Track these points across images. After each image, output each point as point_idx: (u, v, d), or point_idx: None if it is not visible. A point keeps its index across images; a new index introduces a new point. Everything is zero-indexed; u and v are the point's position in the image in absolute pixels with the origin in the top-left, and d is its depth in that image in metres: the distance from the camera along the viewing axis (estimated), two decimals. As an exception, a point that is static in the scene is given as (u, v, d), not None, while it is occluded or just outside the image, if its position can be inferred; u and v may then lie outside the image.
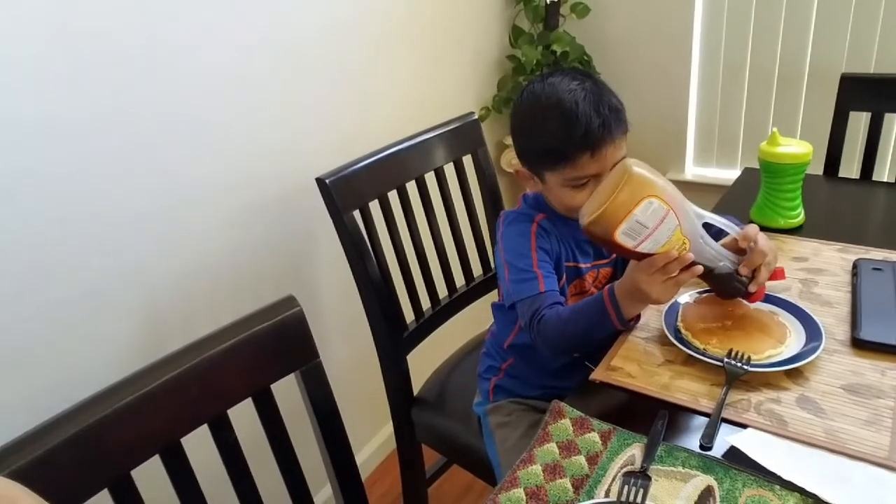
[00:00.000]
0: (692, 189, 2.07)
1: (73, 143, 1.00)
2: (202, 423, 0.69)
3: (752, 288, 0.86)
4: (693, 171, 2.12)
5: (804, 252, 1.10)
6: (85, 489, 0.60)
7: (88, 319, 1.06)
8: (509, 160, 2.02)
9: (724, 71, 1.94)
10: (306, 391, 0.78)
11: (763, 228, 1.17)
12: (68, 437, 0.58)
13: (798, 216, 1.18)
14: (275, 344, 0.74)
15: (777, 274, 0.89)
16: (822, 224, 1.20)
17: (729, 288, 0.87)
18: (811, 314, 0.90)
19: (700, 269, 0.82)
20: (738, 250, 0.87)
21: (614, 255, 1.03)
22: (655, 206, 0.77)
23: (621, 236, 0.78)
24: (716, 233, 0.89)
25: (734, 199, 1.32)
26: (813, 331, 0.87)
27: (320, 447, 0.82)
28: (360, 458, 1.72)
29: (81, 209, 1.03)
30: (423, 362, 1.37)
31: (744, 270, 0.86)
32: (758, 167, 1.19)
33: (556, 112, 0.89)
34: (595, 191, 0.84)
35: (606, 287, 0.88)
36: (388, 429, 1.34)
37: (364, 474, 1.74)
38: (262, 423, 0.75)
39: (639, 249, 0.79)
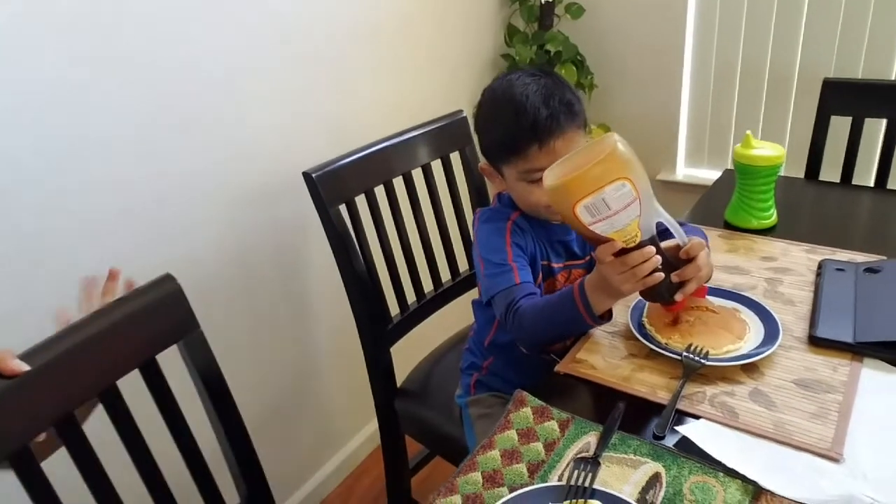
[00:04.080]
0: (682, 189, 2.10)
1: (58, 134, 1.03)
2: (96, 394, 0.72)
3: (677, 297, 0.86)
4: (684, 171, 2.15)
5: (773, 252, 1.14)
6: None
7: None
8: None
9: (715, 72, 1.97)
10: (190, 360, 0.81)
11: (736, 229, 1.22)
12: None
13: (770, 217, 1.21)
14: (155, 318, 0.78)
15: (699, 291, 0.89)
16: (795, 226, 1.23)
17: (654, 291, 0.85)
18: (772, 312, 0.93)
19: (658, 260, 0.82)
20: (676, 258, 0.86)
21: (588, 258, 1.05)
22: (626, 191, 0.76)
23: (581, 209, 0.77)
24: (661, 232, 0.89)
25: (712, 200, 1.35)
26: (772, 328, 0.91)
27: (208, 411, 0.85)
28: (346, 451, 1.76)
29: (67, 201, 1.06)
30: (408, 355, 1.40)
31: (675, 278, 0.85)
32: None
33: (508, 105, 0.93)
34: (569, 155, 0.83)
35: (578, 279, 0.91)
36: (375, 423, 1.37)
37: (351, 467, 1.78)
38: (152, 394, 0.78)
39: (592, 228, 0.78)
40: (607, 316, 0.91)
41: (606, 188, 0.75)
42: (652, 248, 0.81)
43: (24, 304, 1.02)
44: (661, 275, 0.82)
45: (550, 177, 0.79)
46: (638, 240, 0.80)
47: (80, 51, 1.04)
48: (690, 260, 0.86)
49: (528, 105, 0.91)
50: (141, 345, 0.77)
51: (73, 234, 1.08)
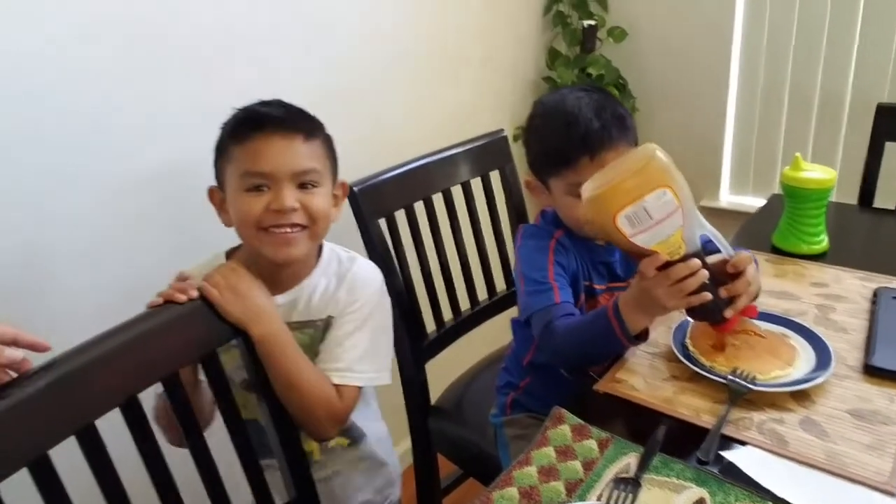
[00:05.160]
0: (726, 216, 2.05)
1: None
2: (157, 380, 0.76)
3: (727, 313, 0.83)
4: (728, 198, 2.10)
5: (825, 279, 1.10)
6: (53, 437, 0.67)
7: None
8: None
9: (762, 96, 1.93)
10: (250, 361, 0.84)
11: (784, 254, 1.18)
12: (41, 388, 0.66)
13: (821, 242, 1.17)
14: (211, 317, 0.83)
15: (749, 310, 0.85)
16: (848, 252, 1.18)
17: (704, 308, 0.82)
18: (824, 339, 0.90)
19: (705, 274, 0.79)
20: (724, 273, 0.83)
21: (631, 280, 1.03)
22: (668, 199, 0.74)
23: (622, 219, 0.74)
24: (705, 243, 0.86)
25: (758, 224, 1.31)
26: (824, 356, 0.87)
27: (262, 414, 0.88)
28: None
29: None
30: (443, 373, 1.39)
31: (723, 294, 0.82)
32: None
33: (560, 116, 0.93)
34: (606, 167, 0.81)
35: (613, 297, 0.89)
36: (406, 441, 1.36)
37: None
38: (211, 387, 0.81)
39: (633, 239, 0.76)
40: (643, 336, 0.88)
41: (647, 196, 0.73)
42: (697, 262, 0.78)
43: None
44: (709, 294, 0.80)
45: (588, 189, 0.78)
46: (682, 252, 0.78)
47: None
48: (739, 274, 0.83)
49: (581, 116, 0.91)
50: (202, 337, 0.81)
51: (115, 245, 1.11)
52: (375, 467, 1.09)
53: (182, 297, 0.79)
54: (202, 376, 0.85)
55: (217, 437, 0.86)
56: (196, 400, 0.86)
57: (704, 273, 0.79)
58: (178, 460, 0.80)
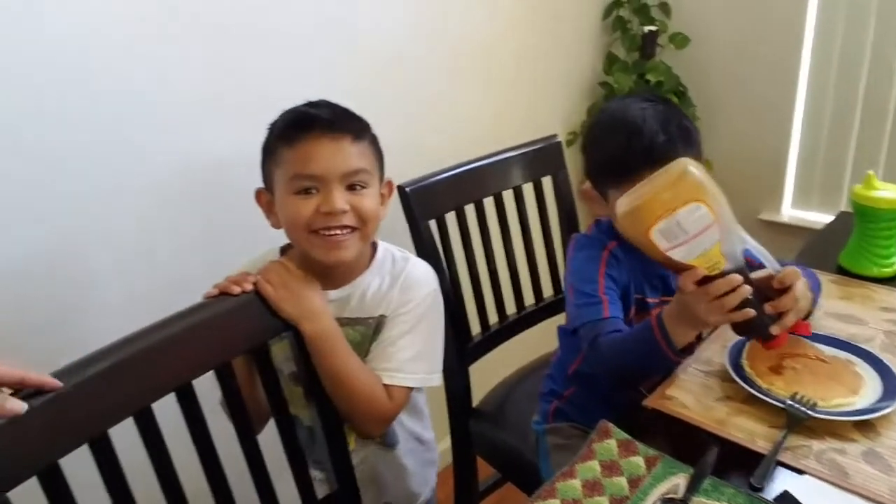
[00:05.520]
0: (787, 232, 1.97)
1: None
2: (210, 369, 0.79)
3: (774, 330, 0.80)
4: (790, 212, 2.01)
5: (895, 303, 1.04)
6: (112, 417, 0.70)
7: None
8: (591, 186, 2.01)
9: (832, 108, 1.85)
10: (300, 354, 0.86)
11: (852, 275, 1.13)
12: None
13: (892, 265, 1.11)
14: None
15: (802, 328, 0.82)
16: (922, 277, 1.12)
17: (748, 324, 0.80)
18: (892, 367, 0.85)
19: (748, 290, 0.77)
20: (770, 289, 0.81)
21: None
22: (702, 213, 0.73)
23: (656, 234, 0.75)
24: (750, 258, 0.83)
25: (825, 243, 1.26)
26: (891, 385, 0.82)
27: (309, 405, 0.91)
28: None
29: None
30: (485, 377, 1.39)
31: (770, 309, 0.79)
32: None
33: (623, 126, 0.91)
34: (640, 183, 0.80)
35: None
36: (446, 442, 1.36)
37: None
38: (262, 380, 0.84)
39: (669, 254, 0.75)
40: (689, 350, 0.86)
41: (680, 210, 0.73)
42: (738, 277, 0.76)
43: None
44: (751, 311, 0.77)
45: (622, 204, 0.78)
46: (722, 267, 0.76)
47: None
48: (786, 290, 0.80)
49: (645, 128, 0.89)
50: (254, 329, 0.83)
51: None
52: (403, 476, 1.07)
53: (237, 290, 0.81)
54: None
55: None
56: (255, 393, 0.88)
57: (747, 289, 0.77)
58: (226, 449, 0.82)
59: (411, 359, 0.93)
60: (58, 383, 0.65)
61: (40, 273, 1.02)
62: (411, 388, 0.94)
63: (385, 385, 0.91)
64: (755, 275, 0.80)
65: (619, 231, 0.83)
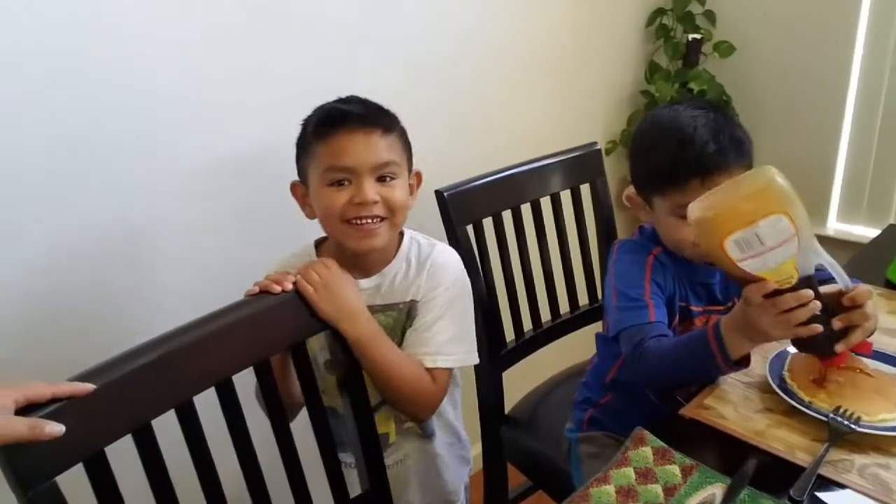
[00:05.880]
0: (833, 245, 1.91)
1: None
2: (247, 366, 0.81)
3: (838, 347, 0.77)
4: (836, 226, 1.96)
5: (946, 319, 1.00)
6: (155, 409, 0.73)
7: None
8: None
9: (882, 120, 1.80)
10: (341, 352, 0.88)
11: (900, 289, 1.09)
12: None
13: (944, 279, 1.08)
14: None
15: (863, 346, 0.79)
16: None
17: (812, 340, 0.77)
18: (942, 384, 0.82)
19: (818, 305, 0.74)
20: (838, 304, 0.78)
21: (730, 304, 0.98)
22: (783, 226, 0.70)
23: (731, 244, 0.71)
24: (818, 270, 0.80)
25: (872, 256, 1.22)
26: (942, 402, 0.80)
27: (344, 405, 0.92)
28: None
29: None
30: (518, 384, 1.39)
31: (837, 324, 0.77)
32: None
33: (673, 134, 0.90)
34: (719, 187, 0.78)
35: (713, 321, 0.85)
36: (477, 448, 1.36)
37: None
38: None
39: (742, 265, 0.72)
40: (744, 362, 0.83)
41: (761, 222, 0.70)
42: (810, 292, 0.73)
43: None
44: (819, 326, 0.74)
45: (697, 209, 0.75)
46: (794, 281, 0.73)
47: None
48: (855, 307, 0.77)
49: (696, 137, 0.87)
50: (292, 329, 0.85)
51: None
52: (440, 471, 1.09)
53: (277, 289, 0.84)
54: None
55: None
56: (287, 384, 0.90)
57: (816, 304, 0.74)
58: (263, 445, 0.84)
59: (448, 341, 0.96)
60: (89, 387, 0.66)
61: (92, 268, 1.06)
62: (451, 370, 0.98)
63: (427, 369, 0.94)
64: (824, 288, 0.78)
65: (686, 237, 0.82)
